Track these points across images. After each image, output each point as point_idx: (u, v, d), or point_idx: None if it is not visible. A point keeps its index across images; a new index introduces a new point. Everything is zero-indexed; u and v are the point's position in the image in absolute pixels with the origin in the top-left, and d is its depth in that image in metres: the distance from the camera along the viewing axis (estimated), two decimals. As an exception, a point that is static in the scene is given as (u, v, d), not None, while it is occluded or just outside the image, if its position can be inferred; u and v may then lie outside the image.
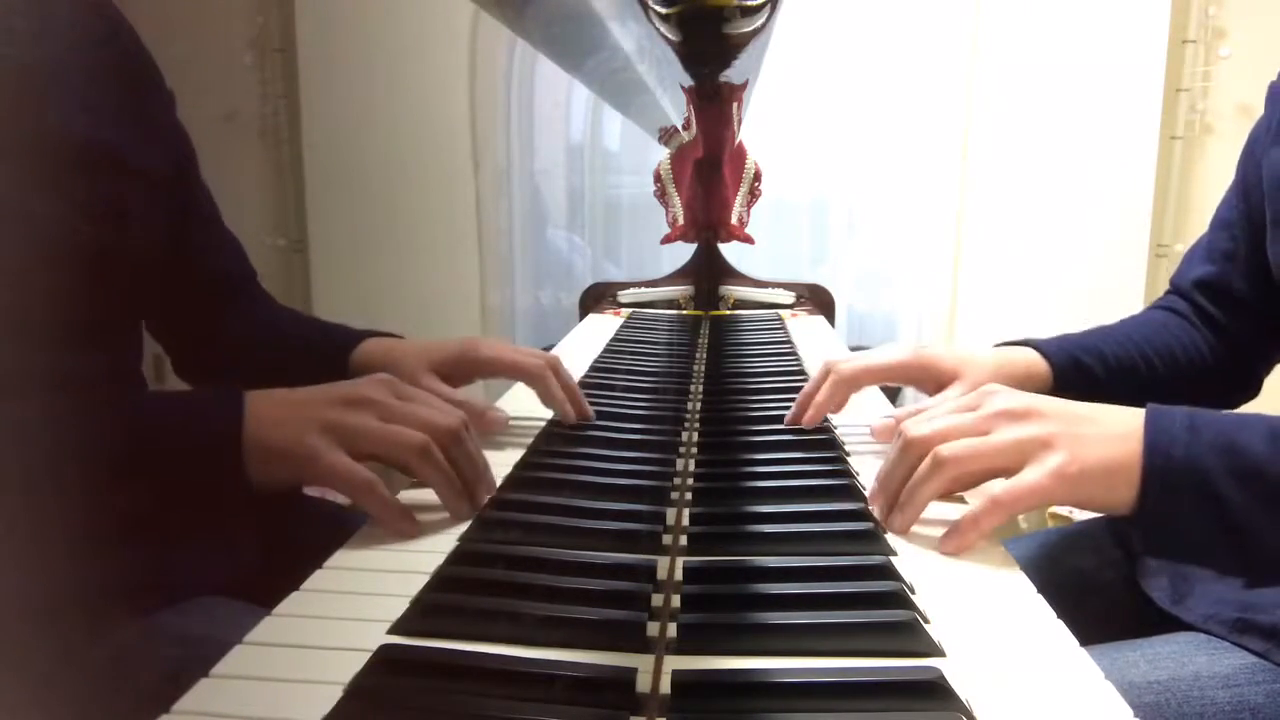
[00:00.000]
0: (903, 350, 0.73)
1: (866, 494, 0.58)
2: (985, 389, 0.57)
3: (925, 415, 0.57)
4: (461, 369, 0.75)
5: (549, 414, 0.76)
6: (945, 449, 0.53)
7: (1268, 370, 0.83)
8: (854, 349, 1.14)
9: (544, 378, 0.72)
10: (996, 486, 0.52)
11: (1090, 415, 0.53)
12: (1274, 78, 0.79)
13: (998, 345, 0.79)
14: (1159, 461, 0.50)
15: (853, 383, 0.71)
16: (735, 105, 0.92)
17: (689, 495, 0.59)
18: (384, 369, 0.73)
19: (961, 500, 0.57)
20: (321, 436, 0.53)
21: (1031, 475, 0.51)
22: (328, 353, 0.79)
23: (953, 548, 0.51)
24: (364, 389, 0.57)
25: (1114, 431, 0.52)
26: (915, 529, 0.54)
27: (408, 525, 0.53)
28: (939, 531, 0.55)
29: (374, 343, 0.79)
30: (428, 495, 0.56)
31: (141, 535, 0.53)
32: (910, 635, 0.41)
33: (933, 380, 0.73)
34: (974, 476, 0.54)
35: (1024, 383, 0.73)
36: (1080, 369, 0.75)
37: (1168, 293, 0.88)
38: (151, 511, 0.52)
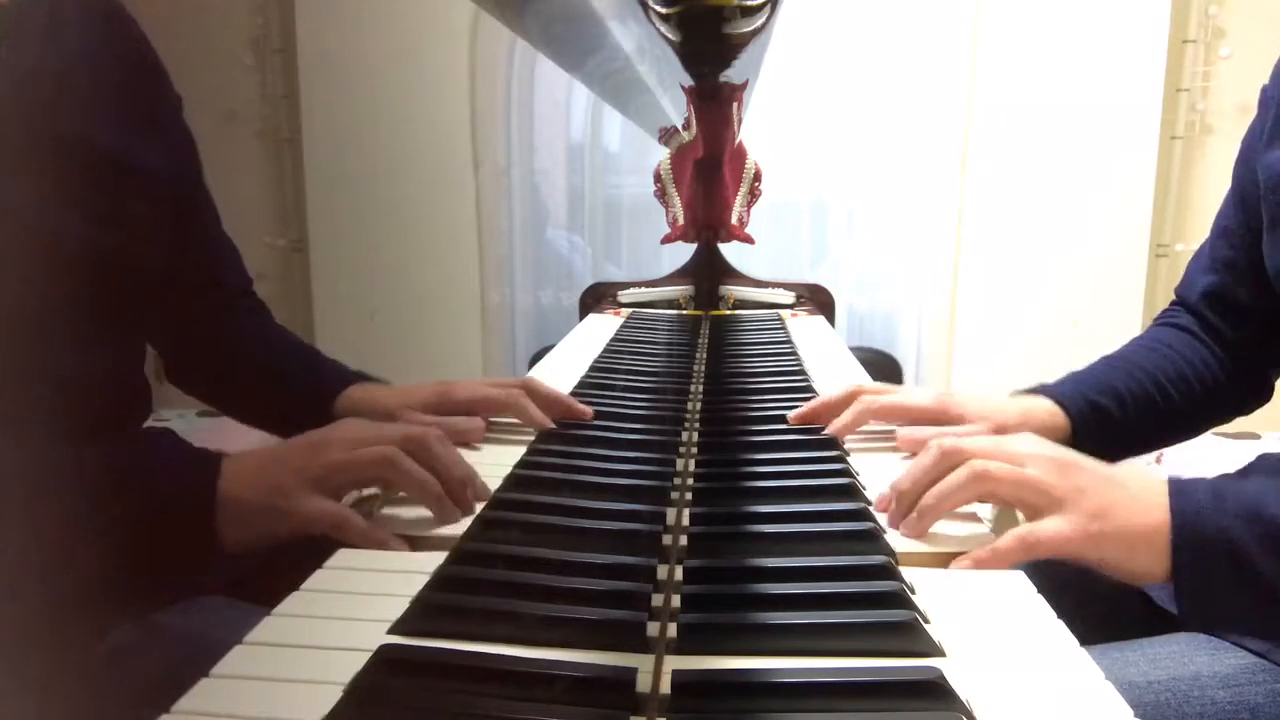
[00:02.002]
0: (930, 394, 0.74)
1: (873, 495, 0.58)
2: (1024, 434, 0.58)
3: (960, 437, 0.58)
4: (441, 413, 0.76)
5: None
6: (983, 463, 0.53)
7: (1279, 374, 0.83)
8: (854, 349, 1.14)
9: (518, 405, 0.73)
10: (1024, 527, 0.52)
11: (1120, 481, 0.54)
12: (1267, 81, 0.79)
13: (1012, 394, 0.79)
14: (1187, 533, 0.51)
15: (878, 415, 0.72)
16: (735, 105, 0.92)
17: (689, 495, 0.59)
18: (366, 410, 0.75)
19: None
20: (294, 483, 0.54)
21: (1056, 524, 0.52)
22: (315, 385, 0.80)
23: (965, 568, 0.52)
24: (329, 432, 0.58)
25: (1140, 499, 0.52)
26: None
27: (393, 544, 0.54)
28: (939, 530, 0.55)
29: (358, 388, 0.80)
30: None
31: (117, 580, 0.53)
32: (910, 635, 0.41)
33: (954, 421, 0.73)
34: (1000, 500, 0.55)
35: (1046, 433, 0.73)
36: (1097, 411, 0.75)
37: (1173, 304, 0.88)
38: (126, 565, 0.52)
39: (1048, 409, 0.75)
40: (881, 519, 0.55)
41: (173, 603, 0.58)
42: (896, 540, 0.53)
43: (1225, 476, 0.54)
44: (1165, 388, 0.79)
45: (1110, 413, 0.76)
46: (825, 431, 0.72)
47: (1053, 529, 0.51)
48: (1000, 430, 0.70)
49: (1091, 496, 0.52)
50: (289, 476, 0.54)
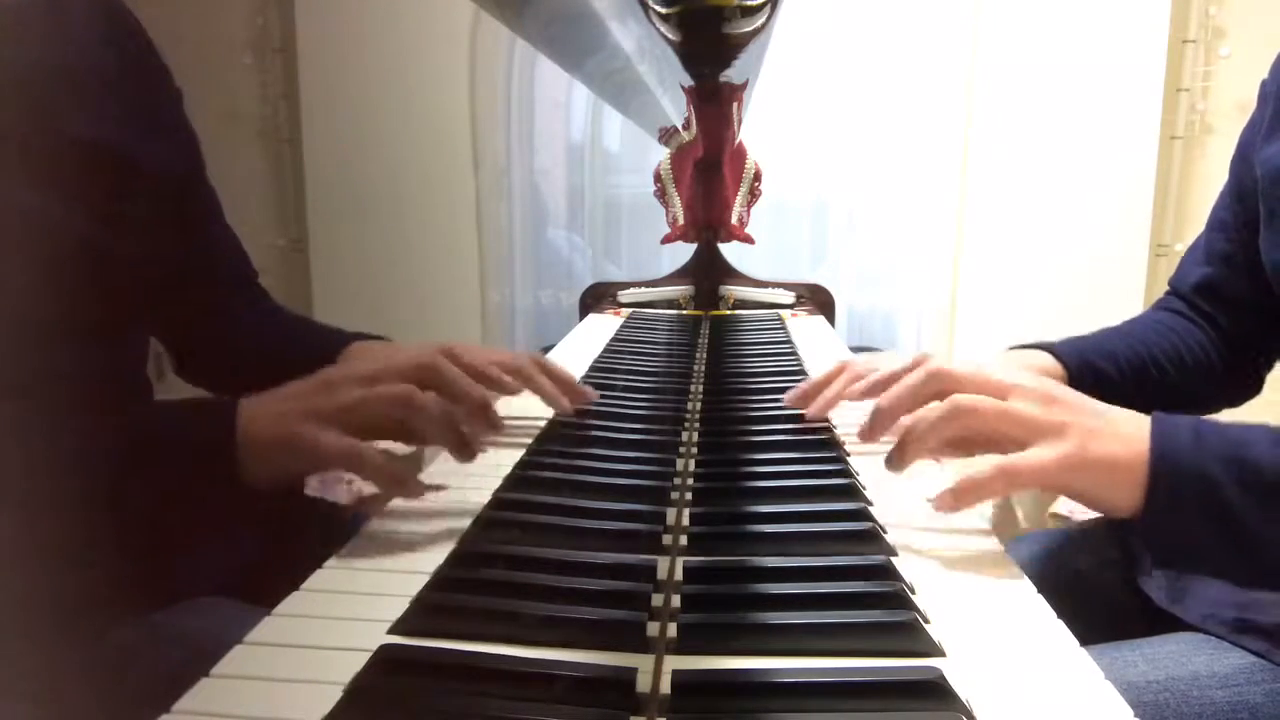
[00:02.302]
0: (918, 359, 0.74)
1: (873, 495, 0.58)
2: (1005, 365, 0.57)
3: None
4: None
5: (549, 413, 0.76)
6: (964, 398, 0.53)
7: (1269, 367, 0.84)
8: (854, 349, 1.14)
9: (527, 371, 0.72)
10: (1004, 457, 0.52)
11: (1102, 412, 0.54)
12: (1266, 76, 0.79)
13: (1011, 349, 0.79)
14: (1166, 468, 0.51)
15: (866, 391, 0.71)
16: (735, 105, 0.92)
17: (689, 495, 0.59)
18: None
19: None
20: (310, 422, 0.54)
21: (1038, 454, 0.51)
22: (319, 355, 0.80)
23: (948, 505, 0.51)
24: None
25: (1122, 431, 0.52)
26: (915, 530, 0.54)
27: (410, 486, 0.53)
28: (938, 531, 0.55)
29: (359, 346, 0.80)
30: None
31: (140, 540, 0.53)
32: (910, 635, 0.41)
33: (948, 385, 0.73)
34: (980, 434, 0.54)
35: None
36: (1094, 371, 0.76)
37: (1167, 293, 0.88)
38: (150, 521, 0.53)
39: (1043, 362, 0.76)
40: (882, 518, 0.55)
41: (173, 603, 0.58)
42: (897, 538, 0.53)
43: (1210, 419, 0.54)
44: (1160, 362, 0.79)
45: (1107, 375, 0.76)
46: (815, 406, 0.71)
47: (1033, 458, 0.51)
48: None
49: (1074, 428, 0.52)
50: (305, 414, 0.54)
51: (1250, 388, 0.84)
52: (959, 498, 0.51)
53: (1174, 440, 0.52)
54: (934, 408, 0.54)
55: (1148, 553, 0.52)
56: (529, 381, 0.72)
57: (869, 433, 0.56)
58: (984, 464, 0.52)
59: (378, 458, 0.54)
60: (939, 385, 0.54)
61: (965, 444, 0.57)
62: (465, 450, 0.56)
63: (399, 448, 0.61)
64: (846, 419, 0.76)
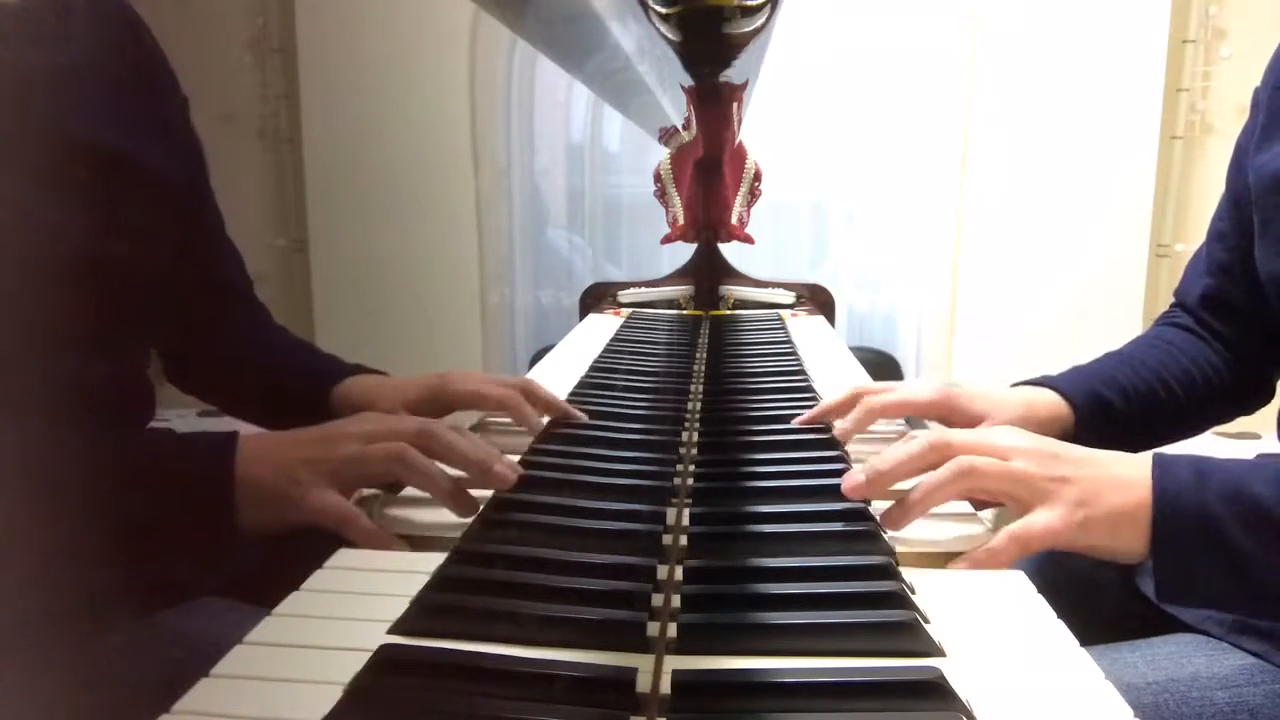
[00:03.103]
0: (932, 388, 0.74)
1: (859, 478, 0.57)
2: (1008, 428, 0.58)
3: (949, 432, 0.58)
4: (437, 405, 0.77)
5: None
6: (969, 459, 0.54)
7: (1279, 375, 0.83)
8: (854, 349, 1.14)
9: (514, 404, 0.73)
10: (1013, 525, 0.53)
11: (1103, 463, 0.54)
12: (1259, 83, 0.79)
13: (1015, 385, 0.79)
14: (1168, 510, 0.51)
15: (882, 414, 0.72)
16: (735, 105, 0.92)
17: (689, 495, 0.59)
18: (362, 407, 0.75)
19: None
20: (308, 473, 0.55)
21: (1045, 517, 0.52)
22: (314, 382, 0.81)
23: (962, 568, 0.52)
24: (344, 425, 0.59)
25: (1124, 479, 0.53)
26: (914, 530, 0.54)
27: (395, 545, 0.54)
28: (939, 530, 0.55)
29: (355, 381, 0.80)
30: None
31: (130, 563, 0.53)
32: (910, 635, 0.41)
33: (961, 421, 0.74)
34: (986, 494, 0.55)
35: (1049, 424, 0.74)
36: (1101, 404, 0.76)
37: (1173, 305, 0.88)
38: (144, 547, 0.53)
39: (1051, 401, 0.75)
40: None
41: (173, 603, 0.58)
42: (894, 539, 0.53)
43: (1210, 457, 0.54)
44: (1168, 383, 0.79)
45: (1114, 406, 0.76)
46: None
47: (1042, 523, 0.52)
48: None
49: (1075, 484, 0.52)
50: (302, 466, 0.55)
51: (1261, 396, 0.84)
52: (973, 567, 0.52)
53: (1175, 481, 0.52)
54: (940, 471, 0.54)
55: (1155, 591, 0.53)
56: (515, 414, 0.73)
57: (860, 491, 0.56)
58: (998, 536, 0.53)
59: (366, 523, 0.54)
60: (940, 455, 0.55)
61: (979, 498, 0.57)
62: (464, 504, 0.56)
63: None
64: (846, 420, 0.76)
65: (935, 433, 0.57)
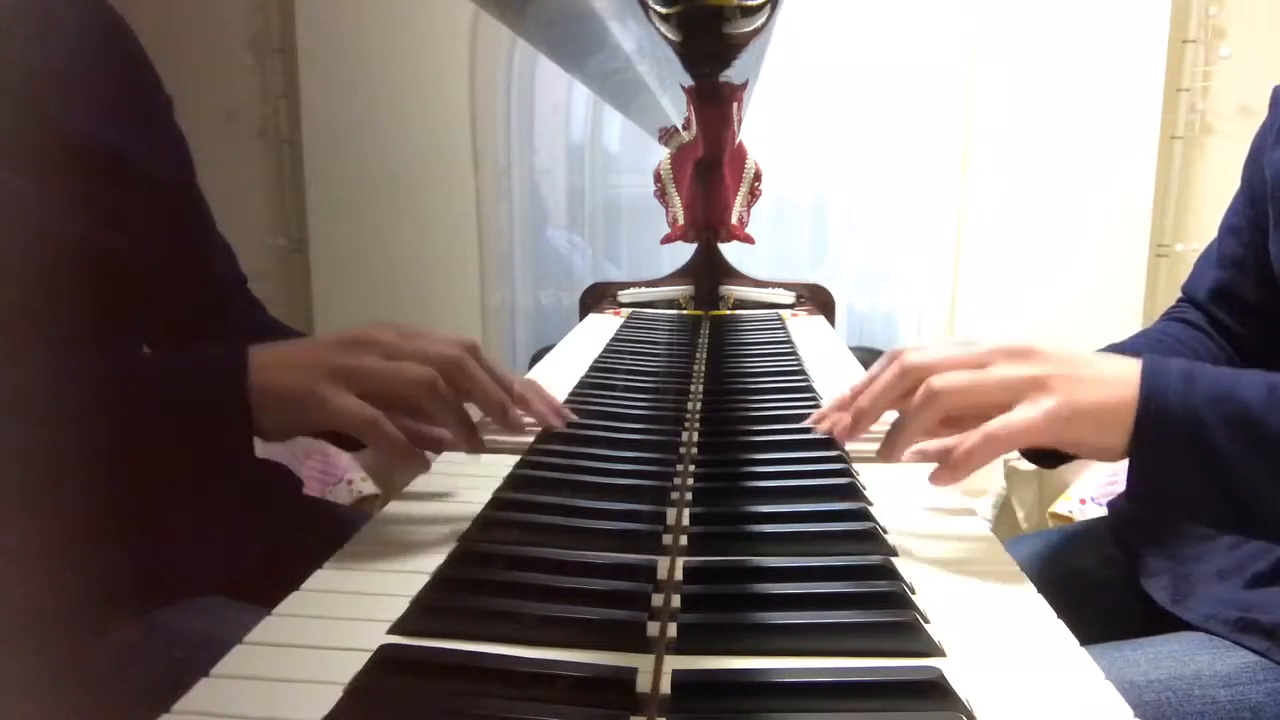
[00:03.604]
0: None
1: (874, 495, 0.58)
2: (983, 338, 0.57)
3: (921, 347, 0.57)
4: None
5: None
6: (939, 380, 0.53)
7: None
8: (854, 349, 1.14)
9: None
10: (990, 422, 0.51)
11: (1087, 360, 0.53)
12: (1276, 80, 0.78)
13: None
14: (1153, 407, 0.50)
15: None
16: (735, 105, 0.92)
17: (689, 495, 0.59)
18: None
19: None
20: (327, 379, 0.54)
21: (1025, 413, 0.51)
22: None
23: (949, 479, 0.51)
24: (367, 330, 0.57)
25: (1110, 376, 0.52)
26: (914, 528, 0.54)
27: (415, 461, 0.53)
28: (939, 530, 0.55)
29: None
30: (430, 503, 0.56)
31: (145, 525, 0.53)
32: (910, 635, 0.41)
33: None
34: (965, 411, 0.54)
35: None
36: None
37: (1180, 301, 0.88)
38: (163, 470, 0.52)
39: None
40: (882, 518, 0.55)
41: (173, 603, 0.58)
42: (898, 538, 0.53)
43: (1200, 363, 0.53)
44: None
45: None
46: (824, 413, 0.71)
47: (1020, 417, 0.51)
48: None
49: (1056, 380, 0.51)
50: (323, 370, 0.54)
51: None
52: (954, 470, 0.51)
53: (1163, 380, 0.51)
54: (915, 399, 0.54)
55: (1155, 558, 0.52)
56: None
57: (850, 431, 0.56)
58: (974, 434, 0.52)
59: (391, 428, 0.53)
60: (916, 377, 0.54)
61: (955, 422, 0.56)
62: (475, 441, 0.56)
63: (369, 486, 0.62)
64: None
65: (909, 353, 0.56)
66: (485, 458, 0.67)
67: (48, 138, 0.61)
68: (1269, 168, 0.74)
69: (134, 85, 0.72)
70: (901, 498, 0.59)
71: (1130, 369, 0.52)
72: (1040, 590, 0.47)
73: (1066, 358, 0.53)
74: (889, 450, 0.55)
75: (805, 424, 0.69)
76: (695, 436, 0.72)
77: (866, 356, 1.21)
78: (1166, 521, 0.70)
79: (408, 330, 0.58)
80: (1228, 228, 0.83)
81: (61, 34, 0.65)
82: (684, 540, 0.52)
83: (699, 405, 0.82)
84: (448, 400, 0.55)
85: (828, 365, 1.01)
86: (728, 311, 1.40)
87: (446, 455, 0.65)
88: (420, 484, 0.61)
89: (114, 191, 0.65)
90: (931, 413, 0.53)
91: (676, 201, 1.41)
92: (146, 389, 0.54)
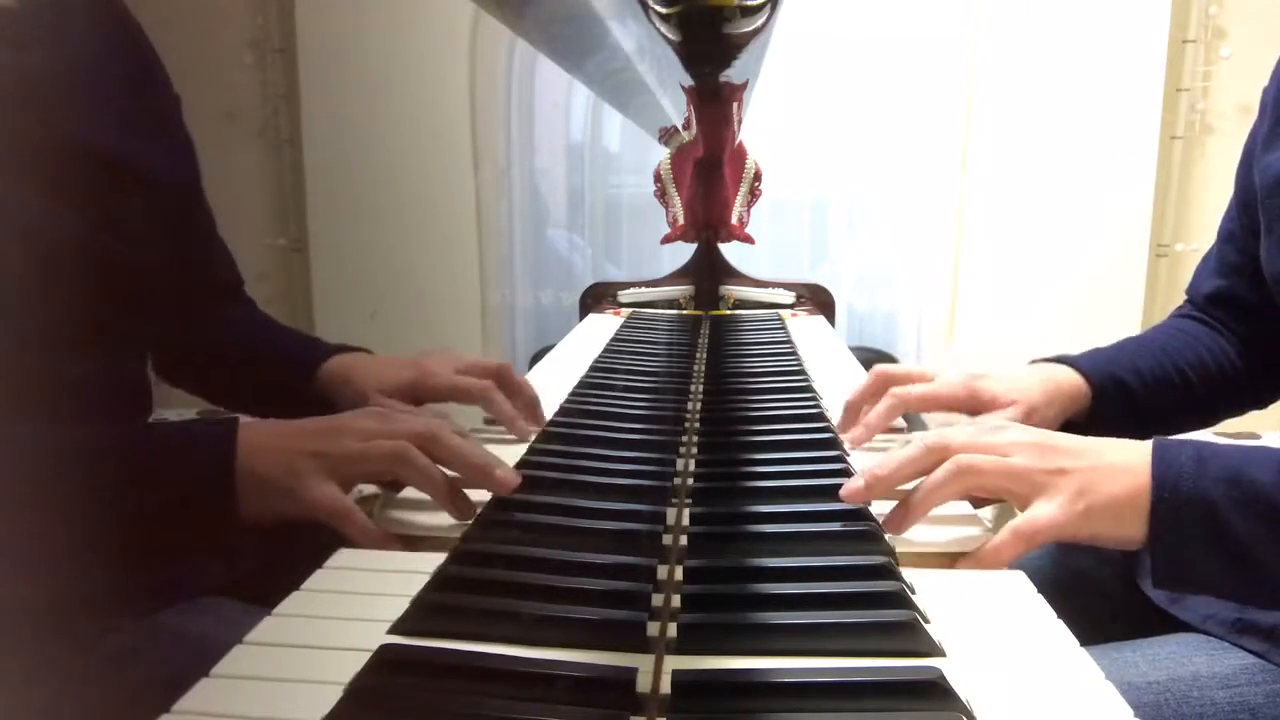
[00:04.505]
0: (957, 382, 0.74)
1: (858, 483, 0.57)
2: (999, 423, 0.58)
3: (945, 431, 0.58)
4: (414, 394, 0.77)
5: (549, 413, 0.76)
6: (967, 459, 0.54)
7: None
8: (854, 349, 1.14)
9: (489, 398, 0.74)
10: (1016, 520, 0.52)
11: (1101, 451, 0.54)
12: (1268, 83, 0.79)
13: (1033, 361, 0.79)
14: (1167, 495, 0.51)
15: (907, 408, 0.72)
16: (735, 105, 0.92)
17: (689, 495, 0.59)
18: (343, 385, 0.76)
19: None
20: (309, 466, 0.55)
21: (1046, 510, 0.52)
22: (299, 364, 0.81)
23: (970, 567, 0.52)
24: (348, 419, 0.59)
25: (1123, 466, 0.53)
26: (913, 530, 0.54)
27: (390, 545, 0.54)
28: (939, 530, 0.55)
29: (338, 359, 0.81)
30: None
31: (131, 556, 0.53)
32: (910, 635, 0.41)
33: (985, 407, 0.74)
34: (985, 491, 0.55)
35: (1069, 403, 0.74)
36: (1118, 385, 0.76)
37: (1186, 302, 0.89)
38: (145, 539, 0.53)
39: (1071, 379, 0.76)
40: (881, 518, 0.55)
41: (173, 603, 0.58)
42: (894, 539, 0.53)
43: (1210, 442, 0.54)
44: (1184, 371, 0.79)
45: (1130, 388, 0.76)
46: (856, 430, 0.72)
47: (1045, 515, 0.52)
48: (1030, 413, 0.71)
49: (1074, 474, 0.52)
50: (303, 458, 0.55)
51: (1276, 390, 0.84)
52: (979, 564, 0.52)
53: (1174, 466, 0.52)
54: (939, 472, 0.54)
55: (1151, 576, 0.53)
56: (490, 407, 0.74)
57: (860, 495, 0.56)
58: (1001, 532, 0.53)
59: (363, 520, 0.55)
60: (937, 457, 0.55)
61: (979, 495, 0.57)
62: (462, 507, 0.56)
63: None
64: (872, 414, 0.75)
65: (932, 435, 0.57)
66: (482, 449, 0.67)
67: (59, 138, 0.61)
68: (1259, 174, 0.74)
69: (145, 85, 0.72)
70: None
71: (1140, 456, 0.53)
72: (1040, 590, 0.47)
73: (1081, 451, 0.54)
74: (902, 523, 0.55)
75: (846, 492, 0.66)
76: (695, 436, 0.72)
77: (867, 356, 1.21)
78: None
79: (385, 415, 0.60)
80: (1224, 234, 0.83)
81: (74, 34, 0.65)
82: (684, 540, 0.52)
83: (699, 405, 0.82)
84: (422, 467, 0.56)
85: (828, 365, 1.01)
86: (728, 311, 1.40)
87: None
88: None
89: (123, 192, 0.65)
90: (954, 488, 0.54)
91: (676, 201, 1.41)
92: (137, 458, 0.54)
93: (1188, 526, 0.51)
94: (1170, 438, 0.54)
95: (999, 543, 0.52)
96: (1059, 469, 0.53)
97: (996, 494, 0.55)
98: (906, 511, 0.54)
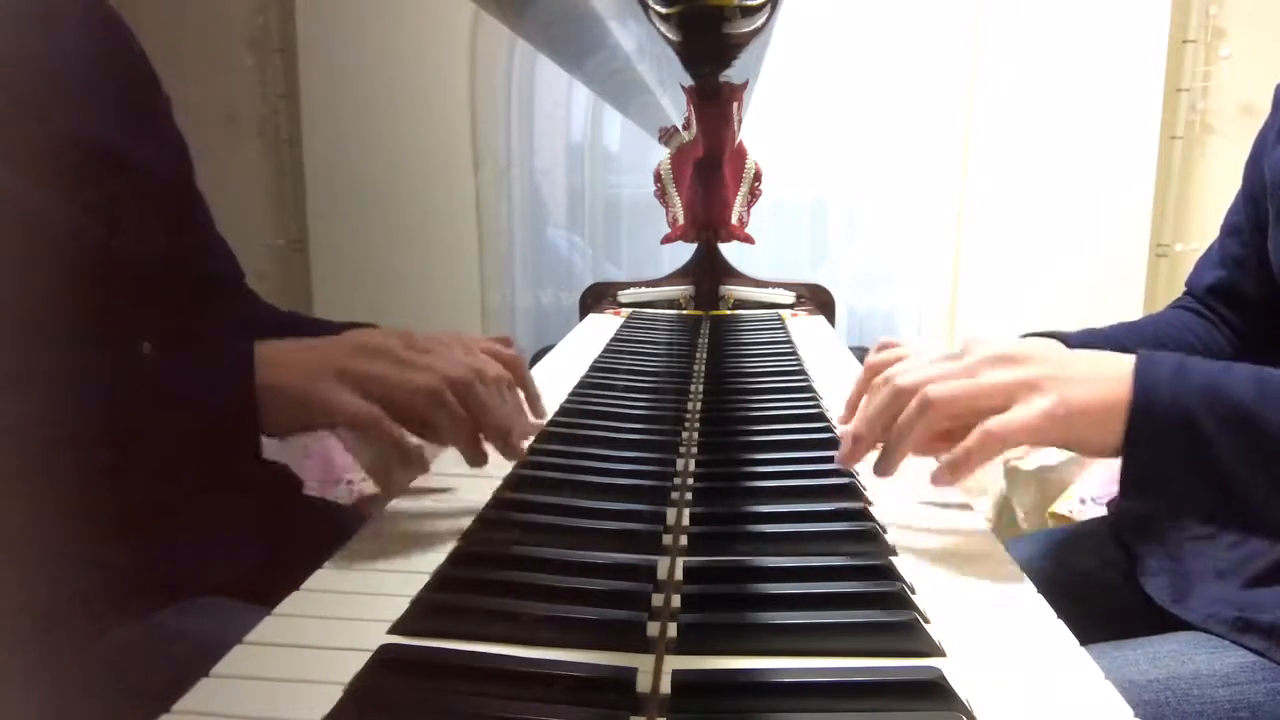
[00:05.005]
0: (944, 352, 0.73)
1: (873, 495, 0.58)
2: (968, 340, 0.57)
3: (909, 364, 0.57)
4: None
5: (549, 413, 0.76)
6: (933, 389, 0.53)
7: None
8: (854, 349, 1.14)
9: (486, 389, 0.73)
10: (988, 421, 0.51)
11: (1076, 359, 0.54)
12: (1277, 80, 0.79)
13: (1025, 335, 0.79)
14: (1144, 403, 0.50)
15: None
16: (735, 105, 0.92)
17: (689, 495, 0.59)
18: None
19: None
20: (333, 379, 0.53)
21: (1022, 412, 0.51)
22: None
23: (948, 480, 0.51)
24: (378, 337, 0.57)
25: (1102, 375, 0.52)
26: (914, 528, 0.54)
27: (416, 461, 0.53)
28: (939, 530, 0.55)
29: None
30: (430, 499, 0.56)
31: (147, 525, 0.53)
32: (910, 635, 0.41)
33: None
34: (961, 419, 0.54)
35: None
36: None
37: (1184, 294, 0.89)
38: (168, 466, 0.52)
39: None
40: (882, 518, 0.55)
41: (173, 603, 0.58)
42: (897, 538, 0.53)
43: (1193, 357, 0.53)
44: None
45: None
46: (840, 419, 0.70)
47: (1019, 416, 0.51)
48: None
49: (1049, 381, 0.52)
50: (330, 370, 0.54)
51: None
52: (954, 470, 0.51)
53: (1155, 376, 0.51)
54: (906, 411, 0.53)
55: (1154, 559, 0.52)
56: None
57: (848, 458, 0.56)
58: (973, 433, 0.52)
59: (392, 426, 0.53)
60: (908, 395, 0.54)
61: (952, 435, 0.56)
62: (479, 455, 0.56)
63: (369, 486, 0.62)
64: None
65: (897, 372, 0.56)
66: (510, 402, 0.66)
67: (46, 135, 0.61)
68: (1269, 167, 0.74)
69: (132, 83, 0.72)
70: (901, 497, 0.59)
71: (1121, 365, 0.52)
72: (1040, 590, 0.47)
73: (1055, 358, 0.53)
74: (886, 465, 0.54)
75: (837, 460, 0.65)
76: (695, 436, 0.72)
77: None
78: (1160, 516, 0.70)
79: (419, 343, 0.58)
80: (1229, 227, 0.83)
81: (60, 32, 0.65)
82: (684, 540, 0.52)
83: (699, 405, 0.82)
84: (452, 412, 0.54)
85: (828, 365, 1.01)
86: (728, 311, 1.40)
87: (447, 454, 0.65)
88: (420, 484, 0.61)
89: (112, 189, 0.65)
90: (927, 423, 0.53)
91: (676, 201, 1.41)
92: (152, 385, 0.53)
93: (1164, 436, 0.50)
94: (1154, 352, 0.53)
95: (970, 443, 0.51)
96: (1033, 378, 0.52)
97: (975, 417, 0.53)
98: (888, 454, 0.54)
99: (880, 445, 0.56)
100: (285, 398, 0.53)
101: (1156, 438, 0.50)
